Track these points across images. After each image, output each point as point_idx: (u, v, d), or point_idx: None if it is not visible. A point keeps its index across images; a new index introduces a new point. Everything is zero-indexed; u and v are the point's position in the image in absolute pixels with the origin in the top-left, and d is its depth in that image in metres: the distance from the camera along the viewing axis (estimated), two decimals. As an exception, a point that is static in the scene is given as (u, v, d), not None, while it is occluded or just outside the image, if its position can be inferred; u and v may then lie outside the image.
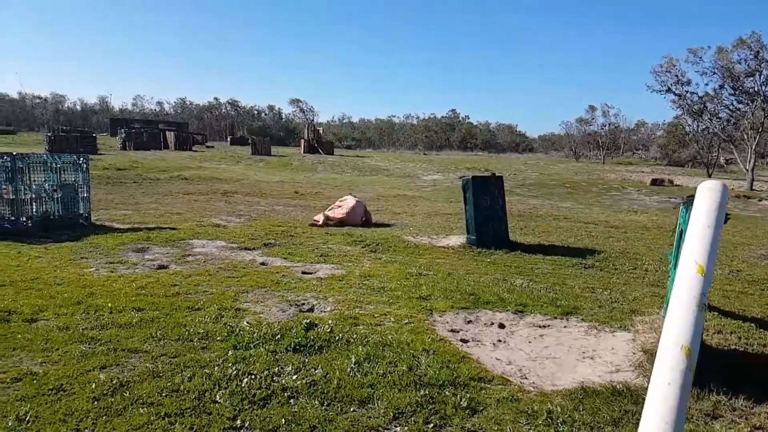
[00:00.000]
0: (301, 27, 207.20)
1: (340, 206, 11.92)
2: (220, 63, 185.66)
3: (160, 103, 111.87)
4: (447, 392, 3.49)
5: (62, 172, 9.48)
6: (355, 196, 12.48)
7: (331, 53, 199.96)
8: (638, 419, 3.45)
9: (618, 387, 3.80)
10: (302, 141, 52.37)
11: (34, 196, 9.23)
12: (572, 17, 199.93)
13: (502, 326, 5.13)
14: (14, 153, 9.26)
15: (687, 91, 34.76)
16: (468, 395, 3.47)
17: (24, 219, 9.12)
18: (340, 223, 11.36)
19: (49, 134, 36.88)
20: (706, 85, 33.92)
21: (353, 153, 58.93)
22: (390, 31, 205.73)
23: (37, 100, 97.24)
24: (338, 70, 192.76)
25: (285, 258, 7.81)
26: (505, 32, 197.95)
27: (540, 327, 5.24)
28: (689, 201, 5.07)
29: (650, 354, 4.35)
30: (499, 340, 4.79)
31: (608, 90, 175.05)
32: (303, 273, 6.99)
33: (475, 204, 8.90)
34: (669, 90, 34.91)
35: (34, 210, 9.26)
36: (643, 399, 3.69)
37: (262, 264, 7.43)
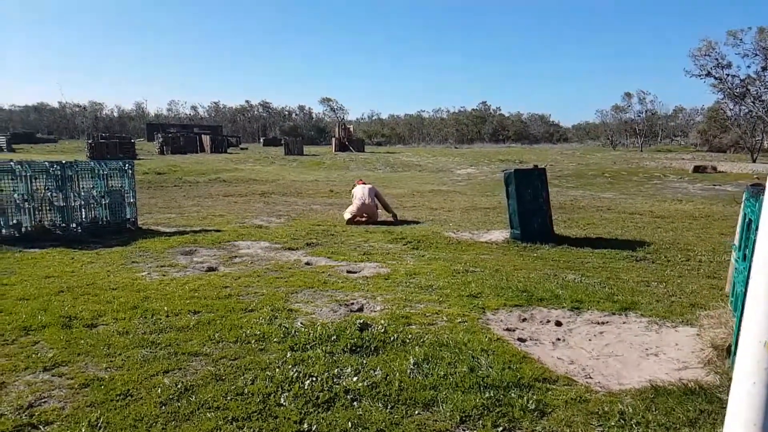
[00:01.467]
0: (328, 25, 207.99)
1: (354, 197, 11.79)
2: (252, 65, 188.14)
3: (194, 108, 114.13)
4: (513, 394, 3.40)
5: (109, 178, 9.69)
6: (364, 182, 12.29)
7: (359, 51, 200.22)
8: (714, 419, 3.32)
9: (690, 385, 3.65)
10: (333, 139, 52.68)
11: (83, 202, 9.46)
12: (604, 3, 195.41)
13: (559, 324, 5.00)
14: (64, 161, 9.49)
15: (728, 75, 33.61)
16: (535, 397, 3.38)
17: (74, 225, 9.36)
18: (363, 213, 11.36)
19: (89, 141, 37.90)
20: (748, 67, 32.90)
21: (384, 149, 58.96)
22: (417, 26, 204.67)
23: (77, 109, 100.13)
24: (367, 67, 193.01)
25: (329, 257, 7.81)
26: (534, 21, 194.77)
27: (598, 324, 5.09)
28: (756, 189, 4.86)
29: (720, 350, 4.18)
30: (558, 339, 4.67)
31: (643, 76, 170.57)
32: (348, 272, 6.98)
33: (518, 197, 8.74)
34: (709, 74, 33.85)
35: (83, 216, 9.50)
36: (718, 397, 3.56)
37: (307, 264, 7.44)
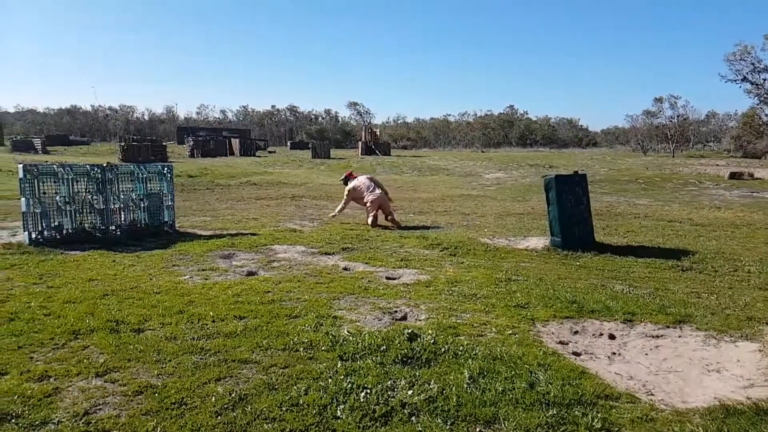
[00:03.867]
0: (355, 29, 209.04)
1: (361, 190, 11.64)
2: (279, 69, 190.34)
3: (223, 111, 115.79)
4: (576, 412, 3.27)
5: (148, 181, 9.79)
6: (371, 178, 12.06)
7: (384, 54, 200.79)
8: (793, 443, 3.14)
9: (762, 405, 3.47)
10: (359, 143, 52.77)
11: (122, 205, 9.57)
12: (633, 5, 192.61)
13: (612, 337, 4.84)
14: (104, 164, 9.61)
15: (764, 79, 32.66)
16: (599, 415, 3.24)
17: (113, 228, 9.47)
18: (376, 207, 11.31)
19: (122, 144, 38.61)
20: (786, 72, 31.89)
21: (410, 153, 58.85)
22: (442, 30, 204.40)
23: (109, 112, 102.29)
24: (393, 71, 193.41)
25: (366, 263, 7.74)
26: (562, 24, 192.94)
27: (653, 337, 4.91)
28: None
29: (790, 369, 3.98)
30: (614, 353, 4.51)
31: (673, 80, 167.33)
32: (387, 278, 6.90)
33: (559, 204, 8.56)
34: (745, 78, 32.98)
35: (122, 219, 9.60)
36: (793, 420, 3.37)
37: (345, 269, 7.38)
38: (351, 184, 11.82)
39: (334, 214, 12.17)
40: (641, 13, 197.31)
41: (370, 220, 11.32)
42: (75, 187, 9.19)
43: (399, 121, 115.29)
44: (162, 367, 3.87)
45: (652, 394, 3.77)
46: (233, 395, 3.41)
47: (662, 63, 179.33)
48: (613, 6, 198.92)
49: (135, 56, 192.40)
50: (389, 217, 11.43)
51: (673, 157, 54.25)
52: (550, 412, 3.24)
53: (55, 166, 9.26)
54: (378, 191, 11.49)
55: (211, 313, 5.06)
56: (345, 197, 11.89)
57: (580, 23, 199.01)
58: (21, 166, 8.84)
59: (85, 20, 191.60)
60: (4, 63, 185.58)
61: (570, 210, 8.61)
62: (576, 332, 4.93)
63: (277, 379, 3.67)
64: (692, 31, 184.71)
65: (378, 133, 56.45)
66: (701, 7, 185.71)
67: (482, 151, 63.74)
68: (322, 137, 79.40)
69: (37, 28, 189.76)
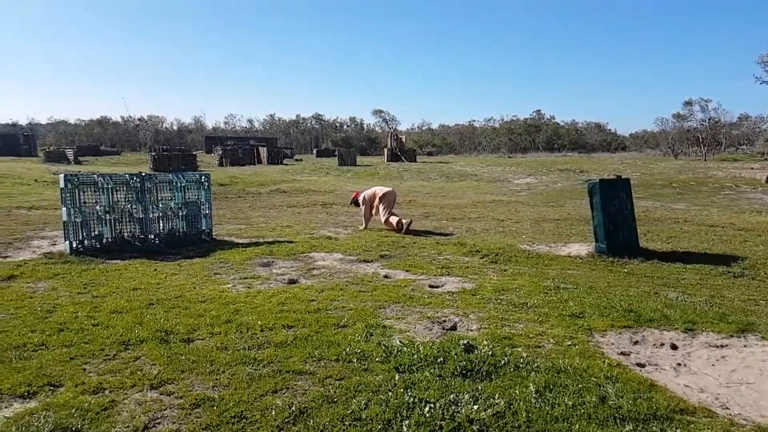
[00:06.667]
0: (379, 37, 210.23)
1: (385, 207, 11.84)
2: (304, 78, 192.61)
3: (250, 121, 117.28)
4: (654, 428, 3.09)
5: (186, 190, 9.84)
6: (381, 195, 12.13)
7: (409, 59, 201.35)
8: None
9: None
10: (385, 150, 52.73)
11: (160, 214, 9.63)
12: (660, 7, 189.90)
13: (674, 347, 4.63)
14: (143, 173, 9.69)
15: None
16: (678, 431, 3.06)
17: (152, 236, 9.53)
18: (391, 201, 11.76)
19: (153, 153, 39.23)
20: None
21: (436, 159, 58.58)
22: (468, 35, 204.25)
23: (138, 122, 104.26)
24: (417, 76, 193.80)
25: (407, 270, 7.62)
26: (589, 28, 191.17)
27: (717, 347, 4.68)
28: None
29: None
30: (679, 364, 4.30)
31: (703, 83, 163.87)
32: (431, 287, 6.76)
33: (604, 209, 8.33)
34: (780, 79, 31.99)
35: (161, 227, 9.65)
36: None
37: (386, 277, 7.27)
38: (362, 195, 12.17)
39: (363, 227, 12.10)
40: (670, 15, 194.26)
41: (393, 219, 11.48)
42: (114, 196, 9.27)
43: (424, 128, 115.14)
44: (216, 379, 3.80)
45: (727, 408, 3.57)
46: (293, 408, 3.32)
47: (692, 65, 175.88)
48: (642, 9, 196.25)
49: (164, 68, 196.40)
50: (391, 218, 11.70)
51: (705, 160, 52.97)
52: (627, 428, 3.07)
53: (95, 175, 9.36)
54: (387, 189, 12.03)
55: (258, 322, 4.99)
56: (363, 207, 12.14)
57: (608, 26, 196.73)
58: (62, 176, 8.95)
59: (116, 33, 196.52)
60: (37, 75, 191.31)
61: (614, 215, 8.37)
62: (636, 342, 4.73)
63: (334, 392, 3.56)
64: (723, 32, 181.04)
65: (404, 139, 56.32)
66: (733, 9, 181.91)
67: (509, 157, 63.10)
68: (347, 145, 79.69)
69: (70, 41, 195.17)
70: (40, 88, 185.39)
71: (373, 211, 11.99)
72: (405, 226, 11.22)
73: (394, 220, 11.46)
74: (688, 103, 65.08)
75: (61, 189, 8.85)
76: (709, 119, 64.78)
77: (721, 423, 3.25)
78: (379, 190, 12.07)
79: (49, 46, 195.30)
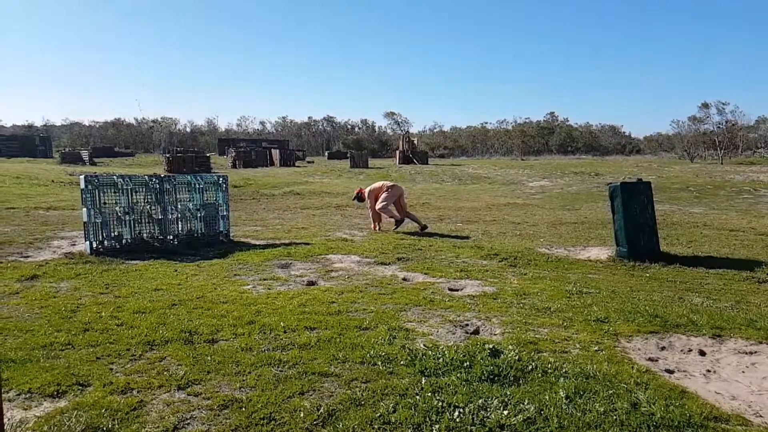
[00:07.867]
0: (391, 39, 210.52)
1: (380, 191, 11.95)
2: (317, 80, 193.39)
3: (262, 123, 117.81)
4: (690, 436, 3.04)
5: (204, 191, 9.88)
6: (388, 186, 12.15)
7: (422, 61, 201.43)
8: None
9: None
10: (397, 152, 52.68)
11: (179, 215, 9.68)
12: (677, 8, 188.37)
13: (702, 353, 4.56)
14: (162, 175, 9.75)
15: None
16: (715, 440, 3.01)
17: (171, 237, 9.58)
18: (395, 197, 11.79)
19: (167, 155, 39.51)
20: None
21: (448, 161, 58.48)
22: (481, 36, 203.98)
23: (152, 124, 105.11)
24: (429, 78, 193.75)
25: (425, 273, 7.60)
26: (602, 29, 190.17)
27: (747, 354, 4.61)
28: None
29: None
30: (708, 370, 4.24)
31: (719, 86, 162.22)
32: (450, 290, 6.73)
33: (625, 212, 8.24)
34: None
35: (180, 228, 9.70)
36: None
37: (405, 280, 7.25)
38: (368, 189, 12.18)
39: (374, 227, 12.06)
40: (686, 16, 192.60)
41: (393, 210, 11.77)
42: (134, 197, 9.33)
43: (435, 130, 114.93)
44: (243, 380, 3.79)
45: (761, 416, 3.51)
46: (321, 410, 3.30)
47: (708, 68, 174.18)
48: (656, 11, 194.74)
49: (178, 70, 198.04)
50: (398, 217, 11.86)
51: (722, 164, 52.41)
52: (662, 436, 3.02)
53: (115, 176, 9.43)
54: (395, 183, 12.14)
55: (281, 324, 4.98)
56: (368, 201, 12.11)
57: (623, 28, 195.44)
58: (83, 177, 9.02)
59: (130, 37, 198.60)
60: (52, 78, 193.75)
61: (636, 219, 8.29)
62: (663, 348, 4.67)
63: (362, 394, 3.54)
64: (740, 34, 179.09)
65: (416, 141, 56.26)
66: (749, 10, 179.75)
67: (522, 159, 62.83)
68: (359, 147, 79.73)
69: (85, 43, 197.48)
70: (55, 91, 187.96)
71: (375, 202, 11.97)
72: (396, 225, 11.77)
73: (394, 212, 11.77)
74: (705, 106, 64.56)
75: (82, 190, 8.92)
76: (726, 122, 64.13)
77: (756, 431, 3.19)
78: (387, 183, 12.16)
79: (65, 50, 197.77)
